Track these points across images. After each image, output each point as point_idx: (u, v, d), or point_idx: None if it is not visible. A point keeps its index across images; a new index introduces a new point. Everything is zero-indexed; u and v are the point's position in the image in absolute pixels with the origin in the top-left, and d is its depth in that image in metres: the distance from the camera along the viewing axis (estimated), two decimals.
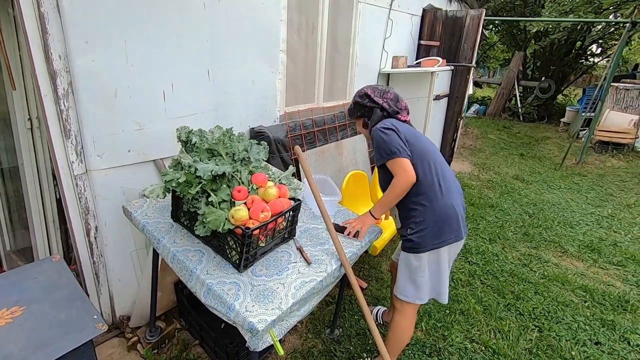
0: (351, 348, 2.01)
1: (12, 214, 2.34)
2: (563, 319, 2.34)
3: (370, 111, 1.66)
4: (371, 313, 2.13)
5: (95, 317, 1.21)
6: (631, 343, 2.18)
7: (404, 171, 1.48)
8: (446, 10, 4.22)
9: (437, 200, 1.54)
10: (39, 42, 1.42)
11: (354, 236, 1.63)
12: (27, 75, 1.74)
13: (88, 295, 1.84)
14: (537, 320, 2.32)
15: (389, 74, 3.92)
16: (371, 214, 1.64)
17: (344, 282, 1.93)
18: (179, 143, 1.51)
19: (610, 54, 9.46)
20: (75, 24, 1.46)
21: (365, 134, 1.75)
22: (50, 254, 2.09)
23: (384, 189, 1.64)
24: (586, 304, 2.51)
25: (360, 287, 2.45)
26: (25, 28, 1.38)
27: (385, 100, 1.64)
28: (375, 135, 1.55)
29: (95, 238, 1.78)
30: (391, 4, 3.52)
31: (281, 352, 1.16)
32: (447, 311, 2.32)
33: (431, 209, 1.53)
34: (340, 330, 2.12)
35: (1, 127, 2.16)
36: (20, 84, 1.76)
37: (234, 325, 1.18)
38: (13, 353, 1.04)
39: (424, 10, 4.18)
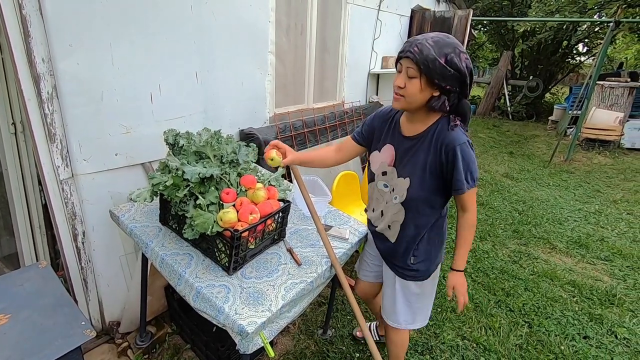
0: (344, 348, 2.01)
1: None
2: (552, 314, 2.38)
3: (456, 97, 1.18)
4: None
5: (83, 323, 1.19)
6: (618, 336, 2.22)
7: (474, 206, 1.26)
8: (434, 11, 4.26)
9: (446, 226, 1.43)
10: (22, 45, 1.40)
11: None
12: (10, 79, 1.71)
13: (76, 302, 1.81)
14: (527, 316, 2.35)
15: (378, 75, 3.95)
16: (458, 271, 1.34)
17: (335, 283, 1.93)
18: (167, 146, 1.50)
19: (596, 53, 9.65)
20: (58, 27, 1.44)
21: (413, 105, 1.19)
22: (37, 260, 2.05)
23: (417, 205, 1.30)
24: (575, 299, 2.55)
25: (352, 287, 2.45)
26: (6, 31, 1.35)
27: None
28: (466, 152, 1.18)
29: (82, 243, 1.76)
30: (380, 5, 3.54)
31: (272, 354, 1.16)
32: (439, 309, 2.34)
33: (443, 240, 1.43)
34: (333, 330, 2.12)
35: None
36: (3, 88, 1.73)
37: (224, 328, 1.17)
38: None
39: (412, 11, 4.21)
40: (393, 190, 1.35)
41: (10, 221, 2.05)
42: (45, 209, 1.93)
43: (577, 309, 2.45)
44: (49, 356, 1.08)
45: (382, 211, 1.44)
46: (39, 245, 2.06)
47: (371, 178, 1.47)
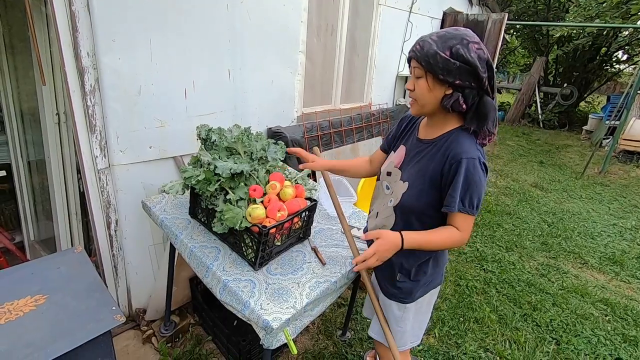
0: (362, 352, 1.99)
1: (37, 205, 2.42)
2: (582, 333, 2.27)
3: (476, 94, 1.04)
4: None
5: (113, 308, 1.23)
6: None
7: (468, 233, 1.12)
8: (467, 14, 4.16)
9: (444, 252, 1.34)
10: (69, 39, 1.47)
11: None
12: (57, 72, 1.80)
13: (106, 287, 1.88)
14: (554, 332, 2.26)
15: (407, 77, 3.90)
16: (402, 240, 1.12)
17: (356, 284, 1.92)
18: (199, 141, 1.53)
19: (638, 61, 9.16)
20: (104, 23, 1.50)
21: (426, 107, 1.09)
22: (72, 245, 2.15)
23: (408, 215, 1.20)
24: (607, 318, 2.43)
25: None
26: (56, 25, 1.43)
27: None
28: (472, 170, 1.04)
29: (115, 231, 1.82)
30: (411, 7, 3.50)
31: (295, 351, 1.16)
32: (461, 319, 2.28)
33: (440, 263, 1.33)
34: (352, 332, 2.11)
35: (30, 121, 2.24)
36: (50, 80, 1.82)
37: (248, 322, 1.19)
38: (35, 340, 1.08)
39: (444, 13, 4.14)
40: (392, 192, 1.25)
41: (50, 207, 2.16)
42: (82, 196, 2.02)
43: (609, 328, 2.33)
44: (81, 339, 1.11)
45: (377, 212, 1.35)
46: (75, 231, 2.15)
47: (378, 176, 1.41)
